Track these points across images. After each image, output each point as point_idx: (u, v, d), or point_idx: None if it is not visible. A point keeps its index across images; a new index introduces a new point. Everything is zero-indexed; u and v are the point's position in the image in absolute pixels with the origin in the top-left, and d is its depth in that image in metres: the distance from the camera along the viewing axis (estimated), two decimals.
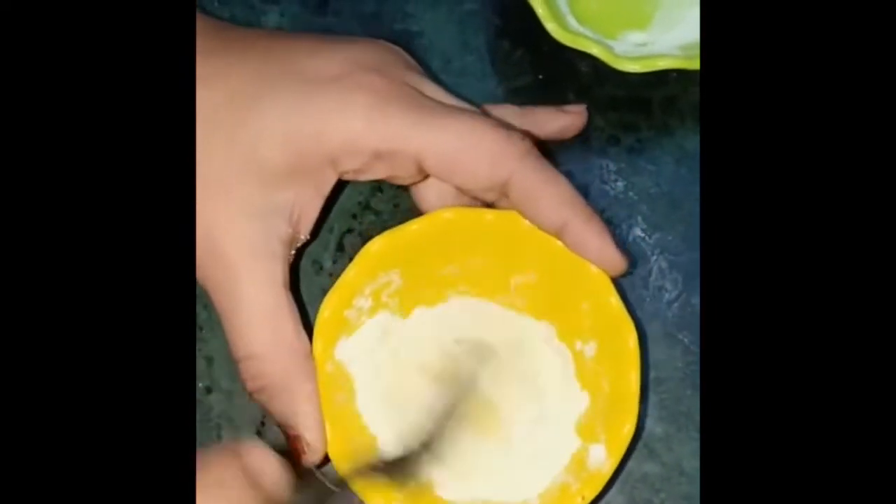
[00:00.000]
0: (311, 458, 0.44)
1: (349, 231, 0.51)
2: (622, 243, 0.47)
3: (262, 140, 0.44)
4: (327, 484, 0.43)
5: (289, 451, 0.44)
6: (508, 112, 0.48)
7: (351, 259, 0.46)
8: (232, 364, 0.45)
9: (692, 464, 0.48)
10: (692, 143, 0.52)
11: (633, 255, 0.50)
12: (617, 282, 0.46)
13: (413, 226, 0.46)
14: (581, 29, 0.51)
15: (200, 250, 0.44)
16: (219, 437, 0.48)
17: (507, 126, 0.45)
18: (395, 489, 0.45)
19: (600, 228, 0.45)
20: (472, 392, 0.47)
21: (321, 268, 0.50)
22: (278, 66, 0.45)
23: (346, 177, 0.45)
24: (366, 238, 0.47)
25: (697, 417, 0.49)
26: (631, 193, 0.51)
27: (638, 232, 0.51)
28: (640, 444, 0.48)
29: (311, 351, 0.45)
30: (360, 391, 0.46)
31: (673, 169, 0.51)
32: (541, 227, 0.45)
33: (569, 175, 0.46)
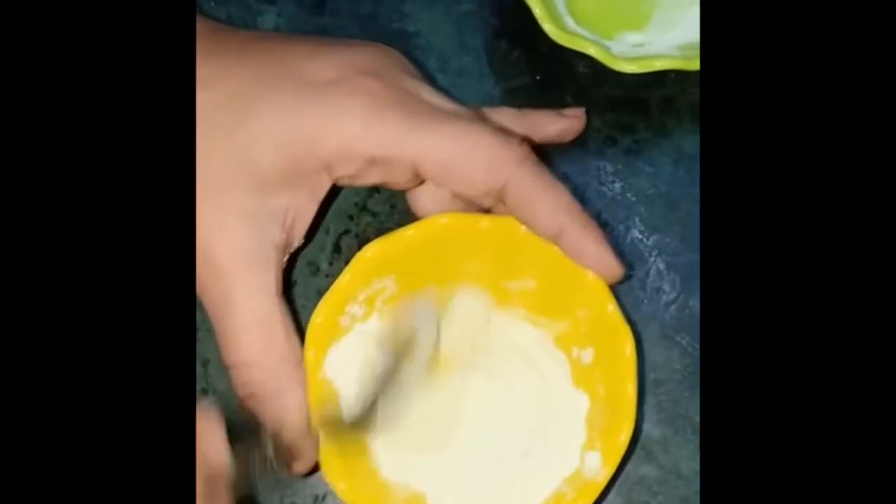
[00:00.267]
0: (300, 466, 0.44)
1: (346, 232, 0.50)
2: (619, 245, 0.47)
3: (258, 143, 0.44)
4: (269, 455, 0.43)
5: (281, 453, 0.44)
6: (506, 115, 0.48)
7: (347, 261, 0.46)
8: None
9: (690, 466, 0.48)
10: (690, 143, 0.51)
11: (630, 257, 0.50)
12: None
13: (408, 231, 0.46)
14: (578, 29, 0.51)
15: None
16: None
17: (504, 131, 0.45)
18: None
19: (597, 235, 0.44)
20: (413, 350, 0.46)
21: (317, 269, 0.50)
22: (277, 69, 0.45)
23: (341, 182, 0.45)
24: (362, 239, 0.47)
25: (695, 420, 0.49)
26: (628, 195, 0.51)
27: (635, 233, 0.51)
28: (637, 447, 0.48)
29: (303, 358, 0.45)
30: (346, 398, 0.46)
31: (671, 170, 0.51)
32: (537, 233, 0.45)
33: (566, 176, 0.46)
